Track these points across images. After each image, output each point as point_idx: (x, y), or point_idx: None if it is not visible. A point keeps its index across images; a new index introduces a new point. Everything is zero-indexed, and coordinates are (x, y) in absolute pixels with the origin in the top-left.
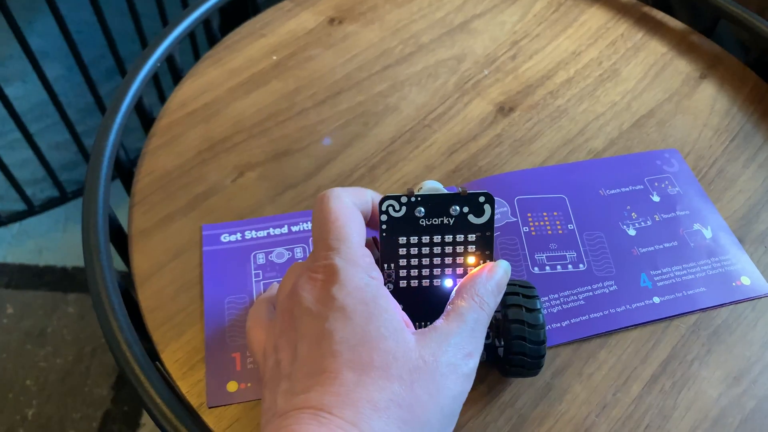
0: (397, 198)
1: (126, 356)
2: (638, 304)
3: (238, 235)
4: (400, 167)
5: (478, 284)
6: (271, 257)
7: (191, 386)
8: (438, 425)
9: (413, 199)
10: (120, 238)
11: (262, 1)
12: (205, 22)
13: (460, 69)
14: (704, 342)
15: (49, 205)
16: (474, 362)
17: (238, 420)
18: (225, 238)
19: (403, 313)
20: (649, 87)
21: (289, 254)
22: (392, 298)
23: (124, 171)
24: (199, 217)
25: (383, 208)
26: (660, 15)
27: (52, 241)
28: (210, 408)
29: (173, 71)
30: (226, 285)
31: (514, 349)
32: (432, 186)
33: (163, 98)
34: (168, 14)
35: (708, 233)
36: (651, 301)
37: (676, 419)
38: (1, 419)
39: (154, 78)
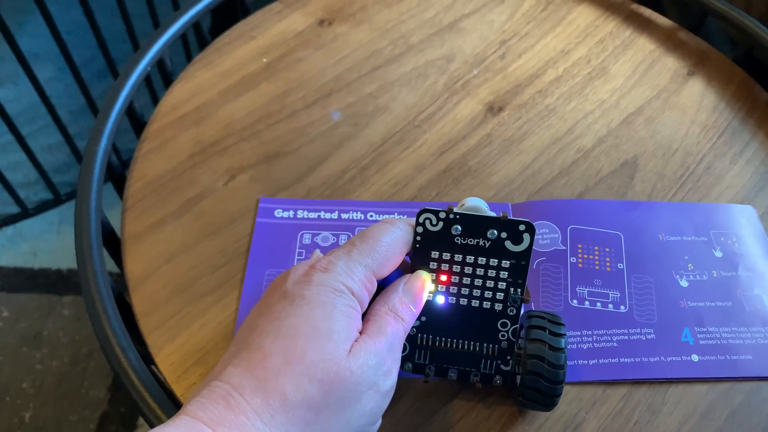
0: (435, 212)
1: (120, 361)
2: (674, 358)
3: (291, 212)
4: (391, 168)
5: (394, 298)
6: (317, 239)
7: (186, 389)
8: None
9: (452, 216)
10: (113, 242)
11: (251, 3)
12: (196, 24)
13: (450, 69)
14: None
15: (43, 207)
16: (392, 380)
17: None
18: (278, 213)
19: (357, 333)
20: (637, 84)
21: (334, 239)
22: (359, 319)
23: (117, 175)
24: (191, 220)
25: (420, 220)
26: (648, 12)
27: (47, 243)
28: None
29: (164, 74)
30: (269, 258)
31: (528, 383)
32: (473, 204)
33: (155, 100)
34: (159, 14)
35: None
36: (689, 358)
37: (664, 414)
38: None
39: (146, 80)
